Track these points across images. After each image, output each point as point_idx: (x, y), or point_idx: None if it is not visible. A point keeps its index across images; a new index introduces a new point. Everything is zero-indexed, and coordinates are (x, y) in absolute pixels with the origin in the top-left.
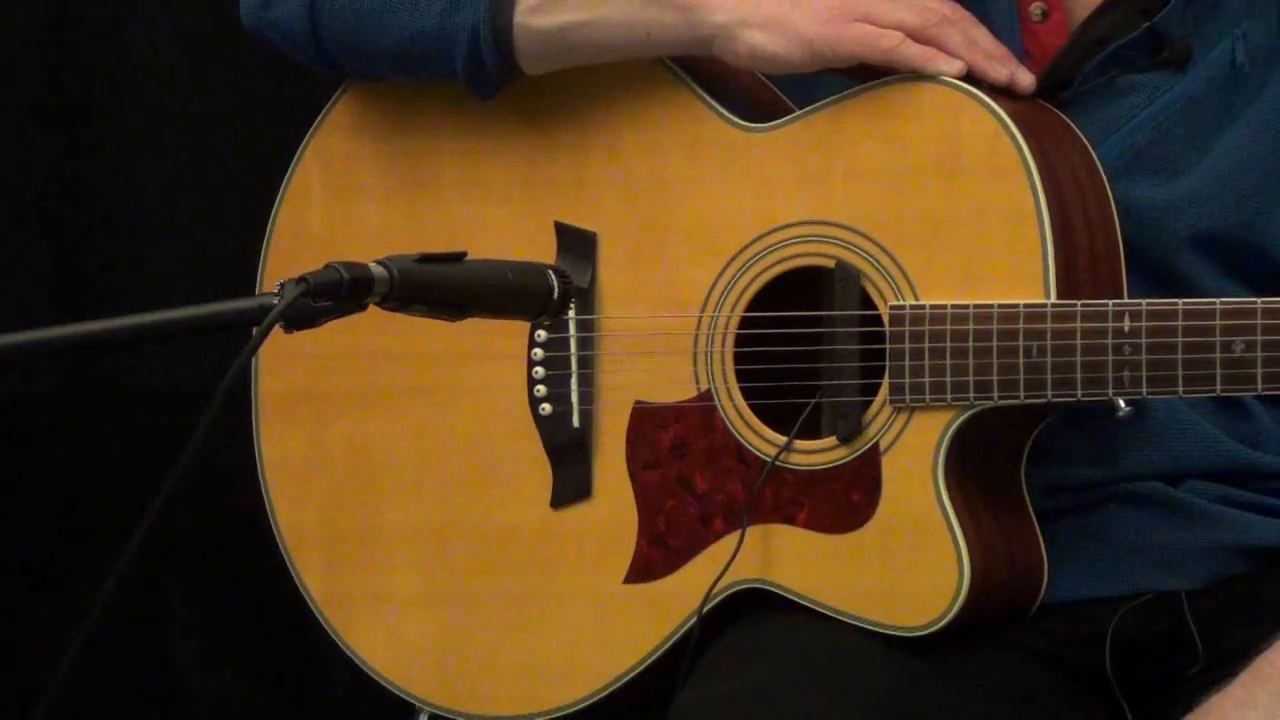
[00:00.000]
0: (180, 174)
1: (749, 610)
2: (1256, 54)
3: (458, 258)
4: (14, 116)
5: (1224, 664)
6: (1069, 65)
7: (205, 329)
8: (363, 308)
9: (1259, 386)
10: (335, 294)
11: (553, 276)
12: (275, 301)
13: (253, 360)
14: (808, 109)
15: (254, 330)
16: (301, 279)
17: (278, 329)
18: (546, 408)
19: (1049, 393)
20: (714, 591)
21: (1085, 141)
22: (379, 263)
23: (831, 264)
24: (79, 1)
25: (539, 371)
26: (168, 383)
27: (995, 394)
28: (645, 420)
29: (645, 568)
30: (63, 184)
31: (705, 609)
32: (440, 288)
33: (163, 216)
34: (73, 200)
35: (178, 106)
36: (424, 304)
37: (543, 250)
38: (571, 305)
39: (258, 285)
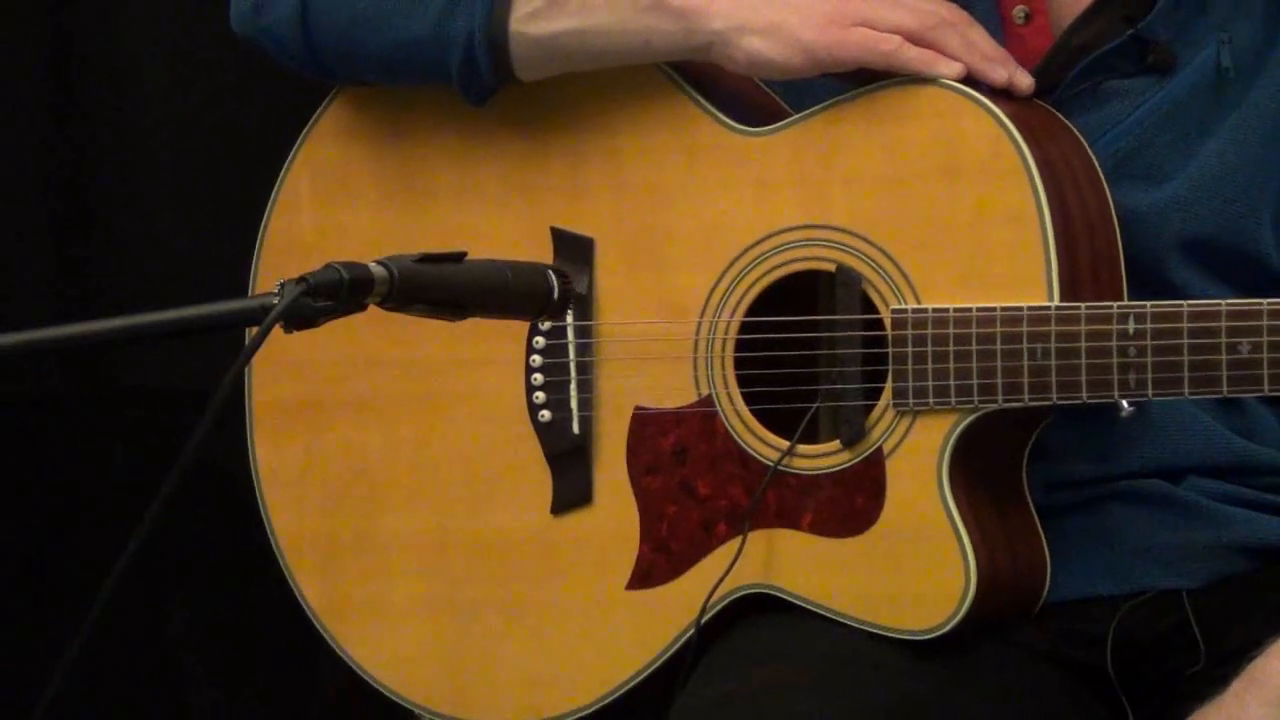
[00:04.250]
0: (181, 174)
1: (752, 612)
2: (1242, 57)
3: (458, 258)
4: (15, 118)
5: (1226, 663)
6: (1053, 71)
7: (205, 329)
8: (363, 307)
9: (1265, 388)
10: (335, 293)
11: (553, 276)
12: (275, 301)
13: (247, 371)
14: (805, 112)
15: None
16: (302, 279)
17: (277, 330)
18: (546, 414)
19: (1054, 395)
20: (718, 597)
21: (1083, 141)
22: (379, 262)
23: (831, 268)
24: (79, 6)
25: (537, 378)
26: (168, 383)
27: (1000, 397)
28: (646, 426)
29: (648, 574)
30: (63, 184)
31: (707, 616)
32: (440, 287)
33: (163, 217)
34: (73, 201)
35: (179, 106)
36: (424, 304)
37: (539, 256)
38: (570, 310)
39: (250, 294)
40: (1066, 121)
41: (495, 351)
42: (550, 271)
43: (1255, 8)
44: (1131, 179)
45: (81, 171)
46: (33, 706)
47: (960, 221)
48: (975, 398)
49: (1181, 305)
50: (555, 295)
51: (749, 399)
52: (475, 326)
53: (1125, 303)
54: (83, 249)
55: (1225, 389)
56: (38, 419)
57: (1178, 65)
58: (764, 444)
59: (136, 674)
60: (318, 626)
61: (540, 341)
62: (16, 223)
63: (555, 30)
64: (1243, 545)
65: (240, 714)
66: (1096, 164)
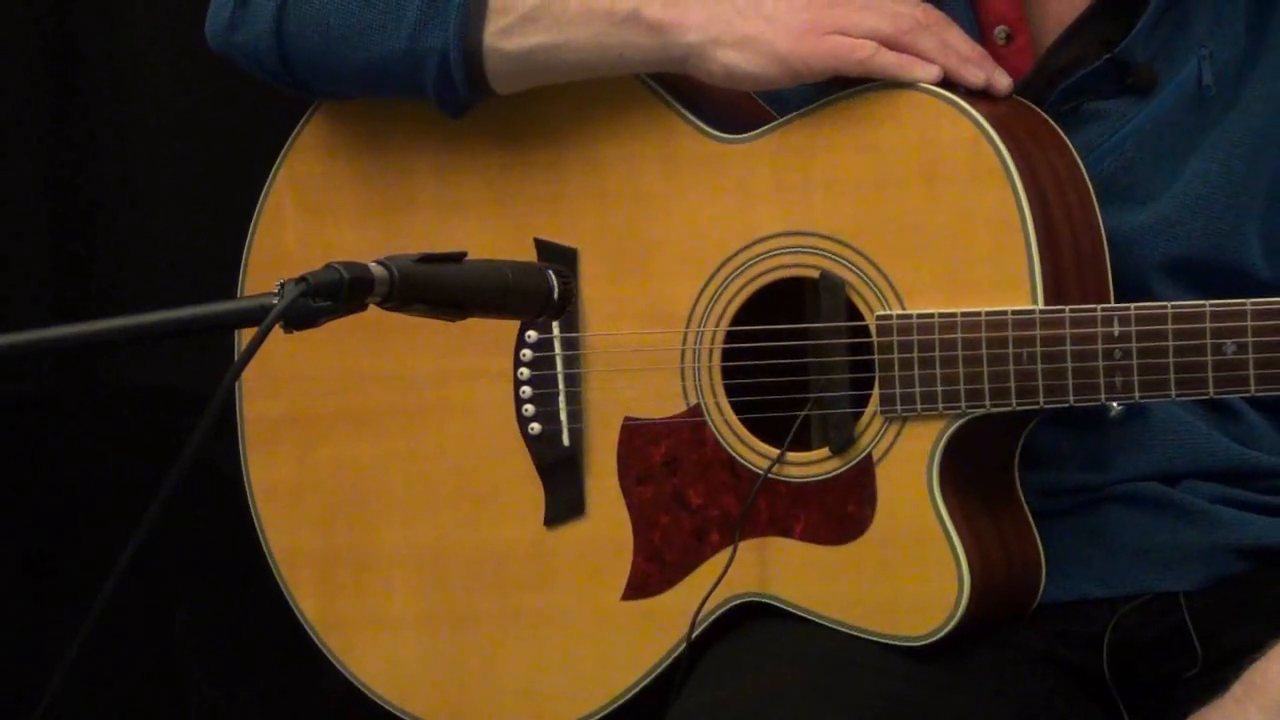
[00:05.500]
0: (181, 174)
1: (747, 617)
2: (1223, 74)
3: (457, 258)
4: (15, 119)
5: (1222, 665)
6: (1033, 93)
7: (205, 329)
8: (363, 307)
9: (1252, 388)
10: (335, 293)
11: (552, 276)
12: (275, 301)
13: (237, 387)
14: (785, 118)
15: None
16: (302, 278)
17: (268, 345)
18: (535, 426)
19: (1041, 399)
20: (712, 607)
21: (1067, 140)
22: (379, 262)
23: (815, 275)
24: (79, 6)
25: (526, 390)
26: (168, 383)
27: (987, 402)
28: (635, 436)
29: (642, 583)
30: (63, 184)
31: (700, 629)
32: (440, 287)
33: (163, 217)
34: (73, 201)
35: (179, 106)
36: (424, 303)
37: None
38: (555, 321)
39: None
40: (1051, 121)
41: (483, 364)
42: (550, 271)
43: (1236, 21)
44: (1115, 200)
45: (81, 171)
46: (33, 706)
47: (942, 225)
48: (963, 403)
49: (1165, 307)
50: (555, 295)
51: (738, 408)
52: (463, 339)
53: (1109, 305)
54: (83, 249)
55: (1211, 390)
56: (38, 419)
57: (1159, 84)
58: (754, 452)
59: (136, 674)
60: (316, 642)
61: (527, 354)
62: (16, 223)
63: (529, 45)
64: (1239, 547)
65: (240, 714)
66: (1081, 165)
